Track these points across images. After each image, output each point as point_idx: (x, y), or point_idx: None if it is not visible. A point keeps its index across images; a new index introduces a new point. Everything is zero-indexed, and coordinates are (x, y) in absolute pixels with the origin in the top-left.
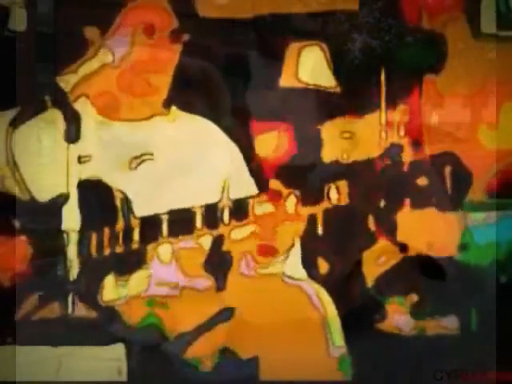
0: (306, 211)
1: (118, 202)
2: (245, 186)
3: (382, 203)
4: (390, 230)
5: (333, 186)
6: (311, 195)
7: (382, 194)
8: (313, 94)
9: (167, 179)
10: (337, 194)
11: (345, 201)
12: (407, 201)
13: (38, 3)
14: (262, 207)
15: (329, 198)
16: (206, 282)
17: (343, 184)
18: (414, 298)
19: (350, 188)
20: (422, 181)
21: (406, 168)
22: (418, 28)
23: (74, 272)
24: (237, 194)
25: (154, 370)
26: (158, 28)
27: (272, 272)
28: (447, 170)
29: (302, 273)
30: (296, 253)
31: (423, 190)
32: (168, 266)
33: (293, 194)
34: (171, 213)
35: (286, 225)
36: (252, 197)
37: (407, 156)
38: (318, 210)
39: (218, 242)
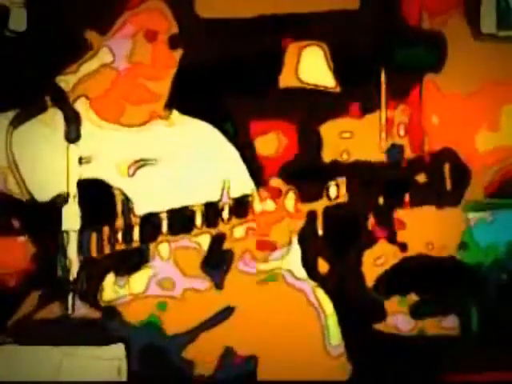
0: (306, 209)
1: (118, 201)
2: (244, 185)
3: (382, 200)
4: (390, 228)
5: (332, 184)
6: (310, 193)
7: (382, 190)
8: (313, 94)
9: (167, 179)
10: (336, 191)
11: (344, 198)
12: (407, 197)
13: (38, 3)
14: (261, 205)
15: (328, 196)
16: (205, 280)
17: (342, 181)
18: (414, 297)
19: (350, 185)
20: (421, 177)
21: (405, 166)
22: (418, 28)
23: (73, 272)
24: (236, 192)
25: (154, 369)
26: (160, 33)
27: (272, 269)
28: (446, 166)
29: (301, 271)
30: (295, 251)
31: (422, 186)
32: (168, 265)
33: (292, 191)
34: (171, 211)
35: (285, 222)
36: (251, 195)
37: (407, 156)
38: (318, 207)
39: (217, 240)
